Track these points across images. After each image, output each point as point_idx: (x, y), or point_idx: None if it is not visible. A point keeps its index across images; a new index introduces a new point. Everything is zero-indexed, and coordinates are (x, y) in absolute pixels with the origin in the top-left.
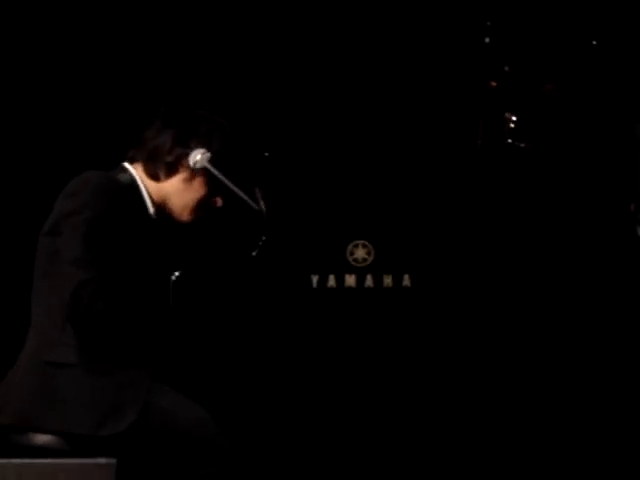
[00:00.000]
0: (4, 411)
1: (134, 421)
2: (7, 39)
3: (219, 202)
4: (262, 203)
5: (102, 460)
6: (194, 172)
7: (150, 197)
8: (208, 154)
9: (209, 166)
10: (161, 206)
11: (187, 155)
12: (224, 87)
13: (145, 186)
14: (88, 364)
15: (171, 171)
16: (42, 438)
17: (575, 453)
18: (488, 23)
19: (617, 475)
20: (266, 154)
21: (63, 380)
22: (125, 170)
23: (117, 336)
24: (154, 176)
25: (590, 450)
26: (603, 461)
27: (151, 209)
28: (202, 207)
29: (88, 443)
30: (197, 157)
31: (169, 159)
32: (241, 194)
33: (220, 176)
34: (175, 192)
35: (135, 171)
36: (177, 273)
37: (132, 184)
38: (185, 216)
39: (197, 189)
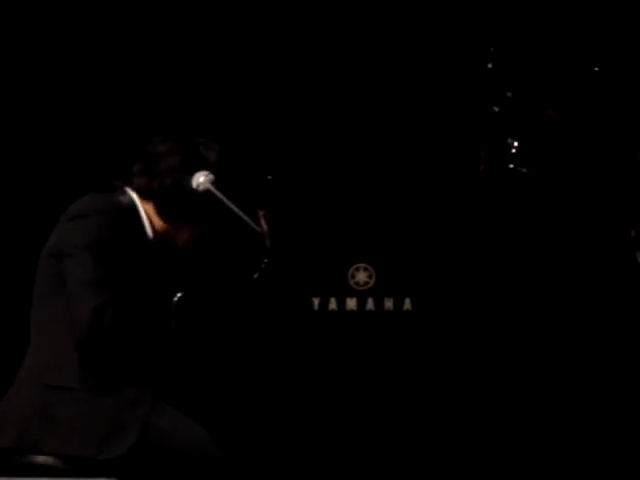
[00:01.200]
0: (4, 433)
1: (135, 442)
2: (7, 43)
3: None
4: (264, 225)
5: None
6: (195, 194)
7: (149, 220)
8: (211, 176)
9: (212, 188)
10: (161, 235)
11: (187, 178)
12: (226, 106)
13: (145, 210)
14: (89, 387)
15: (170, 194)
16: (42, 458)
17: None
18: (491, 49)
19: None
20: (269, 177)
21: (64, 403)
22: (124, 192)
23: (131, 356)
24: (152, 198)
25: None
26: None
27: (150, 232)
28: (204, 238)
29: (88, 463)
30: (200, 179)
31: (167, 183)
32: (243, 216)
33: (223, 198)
34: (177, 229)
35: (135, 194)
36: (179, 295)
37: (132, 207)
38: (187, 247)
39: (199, 226)
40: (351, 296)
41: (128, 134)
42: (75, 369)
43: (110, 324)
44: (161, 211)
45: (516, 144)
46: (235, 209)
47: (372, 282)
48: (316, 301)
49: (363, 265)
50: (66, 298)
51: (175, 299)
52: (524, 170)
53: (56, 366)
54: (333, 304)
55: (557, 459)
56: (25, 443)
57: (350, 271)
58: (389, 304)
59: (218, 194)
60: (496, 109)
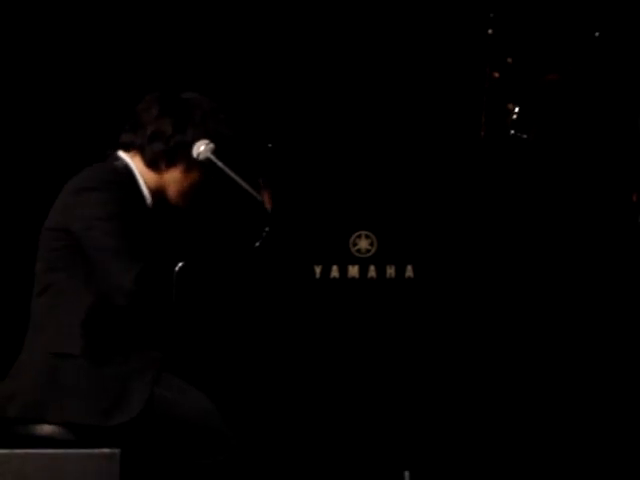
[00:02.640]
0: (11, 404)
1: (140, 411)
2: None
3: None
4: (265, 193)
5: (106, 450)
6: (193, 162)
7: (147, 186)
8: (212, 145)
9: (213, 157)
10: (157, 194)
11: (189, 145)
12: (226, 77)
13: (141, 174)
14: (95, 356)
15: (171, 161)
16: (46, 428)
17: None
18: (491, 15)
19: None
20: (269, 145)
21: (69, 371)
22: (118, 158)
23: (130, 325)
24: (152, 165)
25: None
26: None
27: (149, 199)
28: (199, 194)
29: (93, 433)
30: (201, 148)
31: (169, 148)
32: (244, 184)
33: (224, 167)
34: (174, 181)
35: (130, 159)
36: (180, 264)
37: (128, 173)
38: (181, 203)
39: (196, 178)
40: (353, 264)
41: (119, 97)
42: (81, 338)
43: (135, 290)
44: (154, 169)
45: (517, 110)
46: (235, 177)
47: (374, 249)
48: (318, 269)
49: (365, 232)
50: (75, 270)
51: (176, 268)
52: (525, 136)
53: (63, 334)
54: (335, 272)
55: (556, 454)
56: (32, 412)
57: (352, 238)
58: (391, 271)
59: (219, 163)
60: (497, 75)
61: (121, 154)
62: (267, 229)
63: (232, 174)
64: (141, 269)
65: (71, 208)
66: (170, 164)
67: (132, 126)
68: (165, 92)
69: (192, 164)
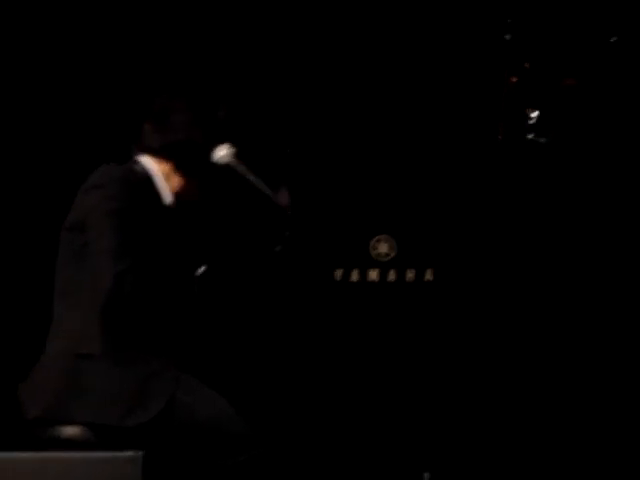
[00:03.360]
0: (31, 405)
1: (159, 413)
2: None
3: None
4: (285, 197)
5: (129, 453)
6: (216, 166)
7: (170, 187)
8: (233, 150)
9: (233, 162)
10: (180, 196)
11: (207, 149)
12: (247, 83)
13: (162, 177)
14: (115, 355)
15: (193, 166)
16: (68, 430)
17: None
18: (509, 20)
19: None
20: (289, 150)
21: (90, 372)
22: (137, 162)
23: (155, 325)
24: (168, 156)
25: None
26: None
27: (167, 199)
28: (221, 197)
29: (114, 435)
30: (221, 152)
31: (181, 136)
32: (265, 189)
33: (245, 171)
34: (195, 184)
35: (149, 161)
36: (202, 268)
37: (146, 175)
38: (196, 197)
39: (217, 181)
40: (373, 267)
41: (135, 97)
42: (101, 338)
43: (131, 291)
44: (179, 166)
45: (535, 114)
46: (256, 181)
47: (394, 253)
48: (338, 273)
49: (384, 236)
50: (90, 268)
51: (198, 272)
52: (543, 140)
53: (83, 335)
54: (355, 275)
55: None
56: (53, 413)
57: (372, 242)
58: (411, 275)
59: (240, 167)
60: (514, 79)
61: (141, 158)
62: (287, 233)
63: (253, 178)
64: (125, 268)
65: (81, 206)
66: (185, 153)
67: (152, 129)
68: (170, 87)
69: (214, 168)
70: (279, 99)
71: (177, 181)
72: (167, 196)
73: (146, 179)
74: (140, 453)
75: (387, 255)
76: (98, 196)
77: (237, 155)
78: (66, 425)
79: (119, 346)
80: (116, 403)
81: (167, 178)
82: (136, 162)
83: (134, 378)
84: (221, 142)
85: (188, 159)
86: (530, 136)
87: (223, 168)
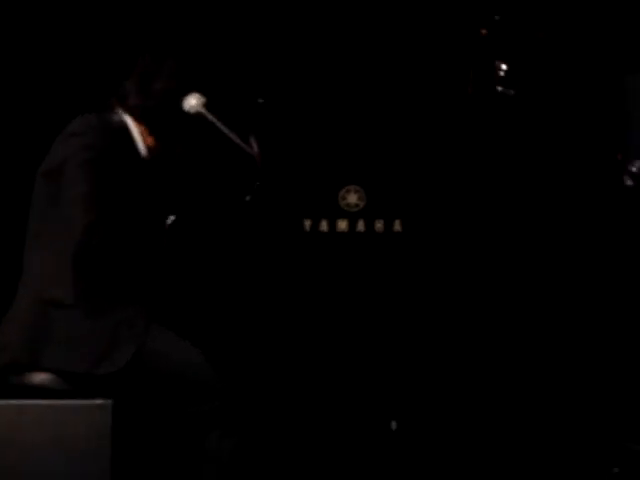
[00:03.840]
0: (1, 351)
1: (129, 362)
2: None
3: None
4: (255, 148)
5: (99, 401)
6: (186, 115)
7: (142, 139)
8: (203, 99)
9: (204, 111)
10: (153, 148)
11: (179, 100)
12: (218, 31)
13: (137, 128)
14: (85, 304)
15: (162, 116)
16: (39, 377)
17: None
18: None
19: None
20: (260, 100)
21: (60, 319)
22: (114, 112)
23: (125, 275)
24: (144, 120)
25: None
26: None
27: (143, 150)
28: (191, 148)
29: (85, 383)
30: (192, 102)
31: (159, 104)
32: (235, 138)
33: (215, 120)
34: (166, 135)
35: (125, 112)
36: (172, 217)
37: (121, 125)
38: (177, 151)
39: (189, 132)
40: (342, 218)
41: (118, 49)
42: (72, 286)
43: (102, 241)
44: (153, 131)
45: (504, 67)
46: (227, 132)
47: (363, 204)
48: (307, 223)
49: (354, 187)
50: (64, 216)
51: (168, 221)
52: (512, 92)
53: (54, 282)
54: (324, 226)
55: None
56: (22, 358)
57: (341, 193)
58: (379, 225)
59: (210, 117)
60: (484, 32)
61: (117, 107)
62: (257, 183)
63: (223, 128)
64: (97, 218)
65: (57, 153)
66: (161, 119)
67: (128, 82)
68: (156, 48)
69: (183, 118)
70: (251, 48)
71: (150, 140)
72: (142, 148)
73: (123, 130)
74: (110, 401)
75: (356, 206)
76: (76, 144)
77: (207, 104)
78: (36, 372)
79: (90, 294)
80: (85, 351)
81: (141, 134)
82: (115, 112)
83: (104, 327)
84: (191, 91)
85: (163, 125)
86: (500, 89)
87: (193, 117)
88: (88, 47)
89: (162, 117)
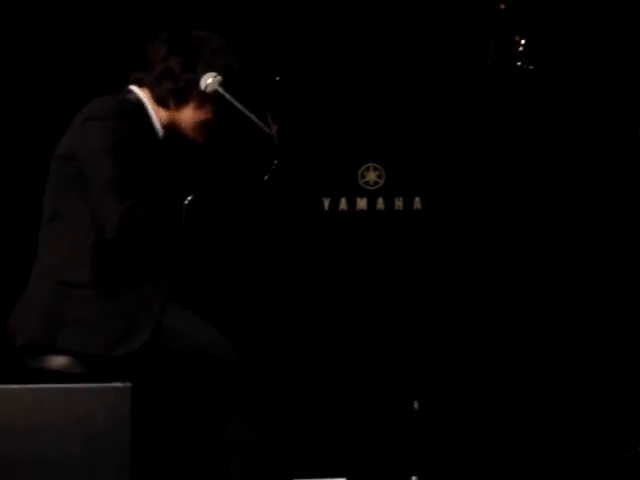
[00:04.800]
0: (18, 332)
1: (147, 343)
2: None
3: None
4: (274, 126)
5: (118, 384)
6: (204, 97)
7: (159, 121)
8: (219, 77)
9: (220, 89)
10: (170, 129)
11: (197, 80)
12: (234, 11)
13: (153, 110)
14: (103, 286)
15: (181, 99)
16: (57, 361)
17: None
18: None
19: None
20: (277, 78)
21: (77, 300)
22: (131, 92)
23: (140, 257)
24: (163, 103)
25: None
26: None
27: (160, 131)
28: (214, 128)
29: (103, 366)
30: (208, 81)
31: (178, 87)
32: (253, 117)
33: (232, 99)
34: (186, 119)
35: (142, 94)
36: (190, 197)
37: (139, 105)
38: (197, 139)
39: (208, 113)
40: (361, 196)
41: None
42: (90, 267)
43: (139, 226)
44: (165, 107)
45: (523, 41)
46: (244, 110)
47: (382, 182)
48: (326, 201)
49: (373, 165)
50: (85, 198)
51: (186, 201)
52: (532, 67)
53: (71, 263)
54: (343, 204)
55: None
56: (38, 339)
57: (360, 171)
58: (399, 203)
59: (227, 95)
60: (503, 6)
61: (133, 88)
62: (276, 162)
63: (241, 107)
64: (134, 203)
65: (79, 136)
66: (180, 102)
67: (141, 65)
68: (173, 31)
69: (202, 99)
70: (268, 27)
71: (164, 114)
72: (159, 129)
73: (141, 111)
74: (129, 384)
75: (376, 183)
76: (99, 128)
77: (224, 83)
78: (53, 356)
79: (108, 276)
80: (102, 333)
81: (155, 110)
82: (129, 91)
83: (121, 308)
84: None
85: (170, 90)
86: (519, 63)
87: (210, 96)
88: (95, 31)
89: (182, 98)
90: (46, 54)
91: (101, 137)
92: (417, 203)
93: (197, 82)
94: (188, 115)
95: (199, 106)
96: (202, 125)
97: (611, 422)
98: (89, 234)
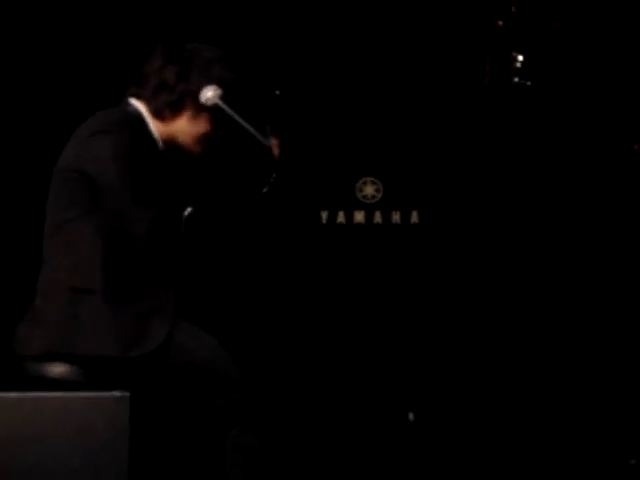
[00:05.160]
0: (31, 341)
1: (156, 350)
2: None
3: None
4: (272, 139)
5: (117, 393)
6: (200, 108)
7: (158, 132)
8: (220, 91)
9: (220, 103)
10: (168, 141)
11: (194, 93)
12: (232, 24)
13: (152, 122)
14: (114, 292)
15: (177, 110)
16: (58, 369)
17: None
18: None
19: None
20: (277, 92)
21: (89, 307)
22: (130, 104)
23: (151, 265)
24: (159, 115)
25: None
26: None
27: (160, 143)
28: (212, 140)
29: (105, 374)
30: (208, 94)
31: (173, 98)
32: (252, 130)
33: (232, 113)
34: (182, 130)
35: (141, 107)
36: (189, 209)
37: (138, 117)
38: (194, 150)
39: (204, 124)
40: (359, 209)
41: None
42: (101, 274)
43: (148, 238)
44: (161, 119)
45: (521, 58)
46: (244, 123)
47: (380, 195)
48: (324, 214)
49: (371, 178)
50: (92, 208)
51: (185, 213)
52: (529, 83)
53: (83, 270)
54: (341, 217)
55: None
56: (58, 348)
57: (358, 184)
58: (396, 217)
59: (227, 109)
60: (501, 23)
61: (132, 101)
62: (274, 175)
63: (240, 120)
64: (155, 215)
65: (86, 150)
66: (177, 113)
67: (137, 79)
68: (168, 43)
69: (200, 111)
70: (267, 40)
71: (161, 127)
72: (158, 140)
73: (140, 121)
74: (128, 394)
75: (373, 197)
76: (105, 141)
77: (224, 96)
78: (54, 364)
79: (118, 283)
80: (116, 336)
81: (155, 125)
82: (128, 104)
83: (134, 313)
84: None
85: (166, 102)
86: (516, 79)
87: (210, 109)
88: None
89: (177, 109)
90: (46, 62)
91: (111, 149)
92: (414, 217)
93: (192, 92)
94: (184, 126)
95: (194, 117)
96: (199, 137)
97: (612, 429)
98: (98, 243)
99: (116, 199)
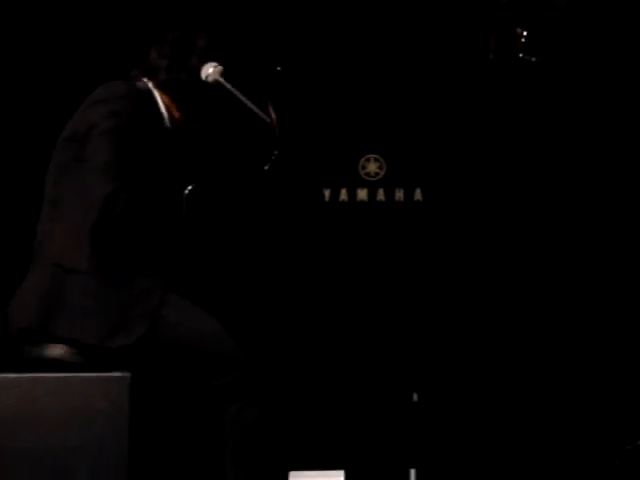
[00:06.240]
0: (17, 317)
1: (143, 335)
2: None
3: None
4: (274, 116)
5: (117, 374)
6: (204, 85)
7: (167, 109)
8: (220, 67)
9: (221, 79)
10: (175, 118)
11: (196, 70)
12: (239, 4)
13: (162, 99)
14: (102, 274)
15: (181, 88)
16: (56, 350)
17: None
18: None
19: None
20: (278, 68)
21: (76, 287)
22: (140, 79)
23: (143, 245)
24: (176, 93)
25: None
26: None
27: (167, 121)
28: (216, 118)
29: (101, 355)
30: (209, 70)
31: (179, 77)
32: (253, 107)
33: (232, 89)
34: (187, 106)
35: (153, 85)
36: (190, 187)
37: (147, 92)
38: (199, 127)
39: (207, 102)
40: (362, 187)
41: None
42: (89, 254)
43: (122, 211)
44: (181, 105)
45: (525, 33)
46: (245, 100)
47: (383, 173)
48: (327, 192)
49: (374, 156)
50: (82, 181)
51: (186, 191)
52: (533, 59)
53: (70, 249)
54: (344, 195)
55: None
56: (37, 325)
57: (361, 162)
58: (400, 195)
59: (227, 85)
60: None
61: (145, 80)
62: (276, 152)
63: (241, 97)
64: (118, 186)
65: (83, 119)
66: (181, 91)
67: (143, 62)
68: (171, 25)
69: (202, 88)
70: (269, 14)
71: (176, 112)
72: (166, 119)
73: (149, 99)
74: (128, 374)
75: (376, 174)
76: (102, 111)
77: (225, 73)
78: (53, 345)
79: (106, 264)
80: (100, 322)
81: (167, 105)
82: (140, 79)
83: (119, 298)
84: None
85: (191, 99)
86: (521, 55)
87: (211, 86)
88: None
89: (192, 91)
90: (47, 51)
91: (104, 120)
92: (418, 194)
93: (194, 69)
94: (188, 104)
95: (198, 95)
96: (202, 114)
97: (610, 416)
98: (86, 219)
99: (87, 171)
